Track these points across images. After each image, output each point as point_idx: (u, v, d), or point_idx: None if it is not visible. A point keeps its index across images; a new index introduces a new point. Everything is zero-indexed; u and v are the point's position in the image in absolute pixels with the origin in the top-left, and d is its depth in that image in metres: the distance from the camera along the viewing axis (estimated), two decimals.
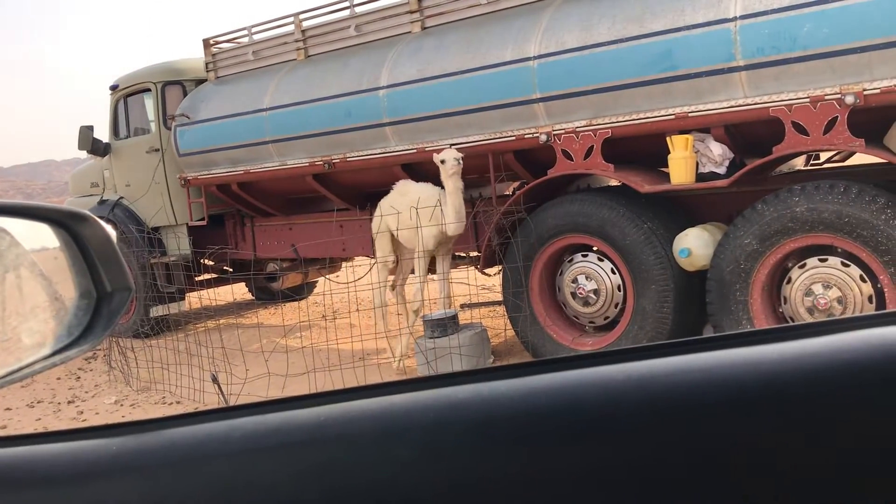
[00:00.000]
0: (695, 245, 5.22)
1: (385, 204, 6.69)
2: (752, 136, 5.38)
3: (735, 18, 4.98)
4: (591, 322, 5.97)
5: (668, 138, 5.35)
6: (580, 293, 5.85)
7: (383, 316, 6.72)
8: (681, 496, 0.64)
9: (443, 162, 6.08)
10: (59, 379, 7.65)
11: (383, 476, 0.70)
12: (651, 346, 0.71)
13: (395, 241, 6.81)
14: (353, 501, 0.70)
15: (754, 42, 4.93)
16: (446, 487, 0.69)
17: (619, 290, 5.72)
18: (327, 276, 8.84)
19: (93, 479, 0.78)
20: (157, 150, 8.97)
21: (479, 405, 0.71)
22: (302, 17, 7.76)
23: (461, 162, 6.04)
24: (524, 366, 0.74)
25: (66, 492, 0.78)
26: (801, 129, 4.91)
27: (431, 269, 6.86)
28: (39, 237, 1.17)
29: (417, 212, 6.16)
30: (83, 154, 9.91)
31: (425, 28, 6.88)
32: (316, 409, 0.76)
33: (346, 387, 0.81)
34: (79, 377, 7.74)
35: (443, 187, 6.21)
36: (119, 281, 1.09)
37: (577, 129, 5.74)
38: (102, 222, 1.09)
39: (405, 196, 6.49)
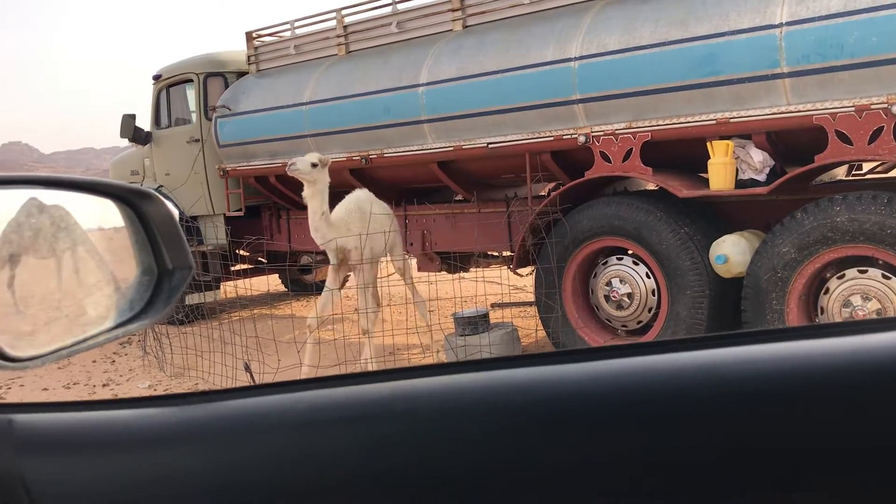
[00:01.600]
0: (732, 252, 5.18)
1: None
2: (793, 143, 5.32)
3: (781, 25, 4.93)
4: (623, 326, 5.95)
5: (708, 143, 5.31)
6: (614, 296, 5.83)
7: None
8: (734, 484, 0.65)
9: (293, 168, 5.84)
10: (94, 362, 7.78)
11: (445, 452, 0.72)
12: (719, 335, 0.72)
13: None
14: (416, 475, 0.72)
15: (800, 49, 4.88)
16: (507, 465, 0.71)
17: (654, 295, 5.69)
18: None
19: (161, 445, 0.81)
20: (197, 141, 9.10)
21: (543, 388, 0.72)
22: (344, 12, 7.82)
23: (317, 165, 5.89)
24: (589, 351, 0.75)
25: (136, 457, 0.81)
26: (844, 139, 4.85)
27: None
28: (97, 217, 1.21)
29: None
30: (122, 142, 10.07)
31: (467, 27, 6.90)
32: (380, 385, 0.78)
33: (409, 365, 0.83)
34: (114, 361, 7.87)
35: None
36: (180, 259, 1.13)
37: (617, 132, 5.72)
38: (167, 202, 1.12)
39: None
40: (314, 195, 5.92)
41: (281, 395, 0.81)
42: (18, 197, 1.09)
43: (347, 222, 6.12)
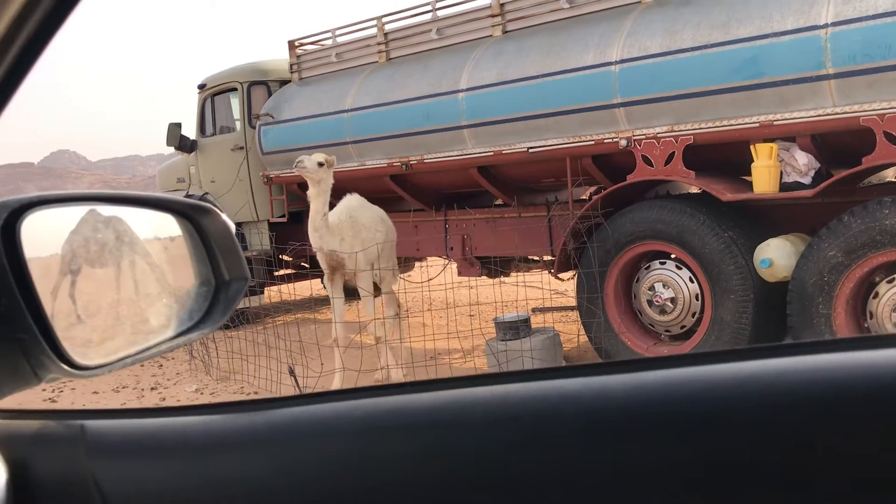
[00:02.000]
0: (776, 256, 5.12)
1: None
2: (839, 145, 5.24)
3: (826, 25, 4.86)
4: (666, 331, 5.90)
5: (751, 146, 5.26)
6: (657, 301, 5.79)
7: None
8: (789, 491, 0.67)
9: (299, 162, 5.87)
10: (142, 366, 7.93)
11: (494, 459, 0.75)
12: (762, 346, 0.73)
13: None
14: (466, 481, 0.75)
15: (846, 49, 4.81)
16: (554, 473, 0.73)
17: (697, 300, 5.64)
18: (401, 275, 8.94)
19: (223, 451, 0.84)
20: (241, 148, 9.25)
21: (589, 398, 0.74)
22: (384, 20, 7.90)
23: (323, 165, 5.87)
24: (634, 362, 0.77)
25: (199, 462, 0.85)
26: (893, 140, 4.76)
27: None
28: (153, 228, 1.26)
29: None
30: (167, 150, 10.28)
31: (506, 32, 6.92)
32: (432, 394, 0.81)
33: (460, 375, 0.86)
34: (161, 365, 8.02)
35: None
36: (236, 270, 1.17)
37: (659, 135, 5.69)
38: (224, 216, 1.17)
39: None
40: (318, 195, 5.94)
41: (338, 402, 0.84)
42: (81, 212, 1.14)
43: (340, 230, 6.11)
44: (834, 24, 4.83)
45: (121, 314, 1.18)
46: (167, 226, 1.21)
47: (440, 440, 0.77)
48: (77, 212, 1.14)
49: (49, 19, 0.64)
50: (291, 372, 5.49)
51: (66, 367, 0.92)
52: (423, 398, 0.81)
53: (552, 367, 0.80)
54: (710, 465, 0.69)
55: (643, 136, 5.77)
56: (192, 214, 1.16)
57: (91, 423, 0.90)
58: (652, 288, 5.83)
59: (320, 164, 5.92)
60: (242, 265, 1.17)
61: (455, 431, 0.77)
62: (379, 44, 7.91)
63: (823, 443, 0.67)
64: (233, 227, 1.18)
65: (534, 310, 7.81)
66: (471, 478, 0.75)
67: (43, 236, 1.05)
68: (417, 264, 9.25)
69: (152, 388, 7.15)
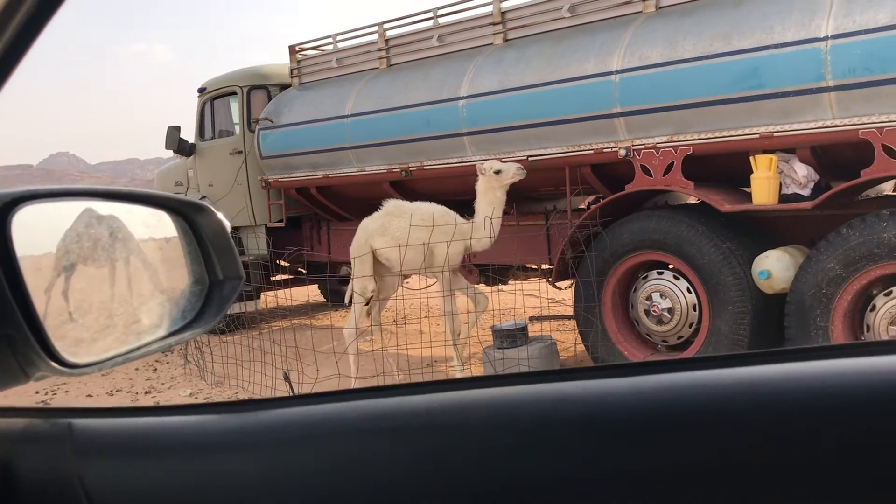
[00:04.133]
0: (775, 267, 5.12)
1: (372, 225, 6.45)
2: (839, 158, 5.24)
3: (826, 38, 4.87)
4: (663, 341, 5.89)
5: (751, 158, 5.26)
6: (654, 311, 5.77)
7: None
8: (776, 497, 0.65)
9: (498, 172, 5.78)
10: (136, 370, 7.90)
11: (492, 463, 0.73)
12: (762, 352, 0.72)
13: (376, 263, 6.46)
14: (463, 485, 0.73)
15: (846, 62, 4.82)
16: (553, 476, 0.71)
17: (695, 310, 5.63)
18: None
19: (214, 452, 0.83)
20: (240, 153, 9.24)
21: (589, 401, 0.73)
22: (386, 26, 7.90)
23: (524, 172, 5.80)
24: (634, 366, 0.76)
25: (189, 463, 0.83)
26: (892, 153, 4.76)
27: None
28: (148, 228, 1.24)
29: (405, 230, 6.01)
30: (165, 154, 10.27)
31: (507, 40, 6.93)
32: (429, 395, 0.79)
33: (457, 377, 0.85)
34: (156, 369, 7.99)
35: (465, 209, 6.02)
36: (231, 270, 1.15)
37: (658, 145, 5.68)
38: (219, 214, 1.15)
39: (400, 217, 6.25)
40: (503, 202, 5.96)
41: (333, 404, 0.82)
42: (75, 208, 1.12)
43: None
44: (834, 36, 4.84)
45: (113, 313, 1.16)
46: (161, 226, 1.19)
47: (438, 442, 0.76)
48: (71, 209, 1.12)
49: (36, 14, 0.63)
50: (286, 378, 5.45)
51: (55, 364, 0.91)
52: (420, 400, 0.79)
53: (552, 370, 0.79)
54: (708, 468, 0.68)
55: (642, 146, 5.77)
56: (186, 212, 1.14)
57: (79, 422, 0.88)
58: (649, 298, 5.82)
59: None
60: (237, 264, 1.16)
61: (453, 434, 0.76)
62: (380, 50, 7.92)
63: (823, 445, 0.65)
64: (228, 225, 1.16)
65: (531, 318, 7.78)
66: (468, 480, 0.73)
67: (37, 233, 1.04)
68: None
69: (146, 392, 7.11)
